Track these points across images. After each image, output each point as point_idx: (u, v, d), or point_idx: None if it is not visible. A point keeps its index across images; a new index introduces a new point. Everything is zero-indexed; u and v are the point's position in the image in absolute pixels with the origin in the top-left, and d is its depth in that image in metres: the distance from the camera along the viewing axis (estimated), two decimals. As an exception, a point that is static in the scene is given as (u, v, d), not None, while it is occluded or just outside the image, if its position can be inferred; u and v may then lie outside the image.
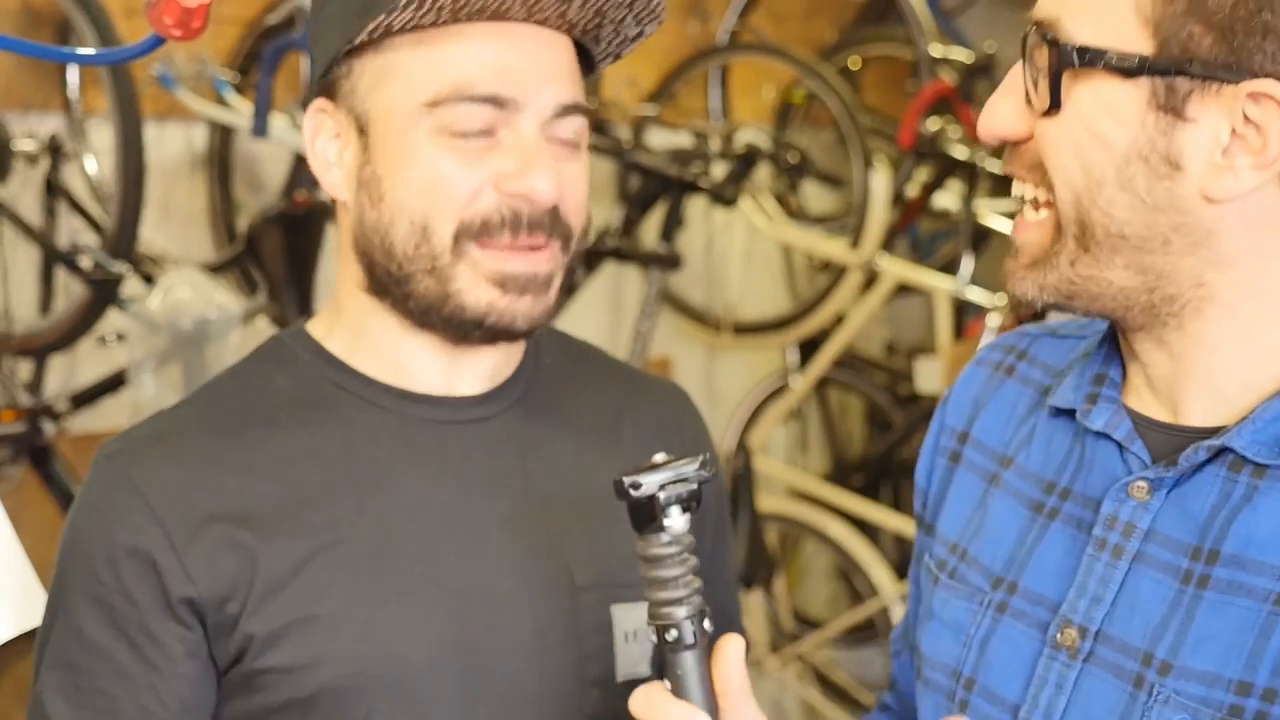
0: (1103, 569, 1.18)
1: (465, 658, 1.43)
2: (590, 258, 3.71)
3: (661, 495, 1.18)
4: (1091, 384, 1.25)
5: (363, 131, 1.43)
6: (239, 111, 3.35)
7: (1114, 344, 1.26)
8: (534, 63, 1.40)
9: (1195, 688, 1.11)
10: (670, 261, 3.77)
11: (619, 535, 1.50)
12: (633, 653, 1.49)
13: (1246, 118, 1.09)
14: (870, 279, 3.97)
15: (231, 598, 1.39)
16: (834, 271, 4.18)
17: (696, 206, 4.10)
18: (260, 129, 3.11)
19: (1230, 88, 1.08)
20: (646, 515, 1.19)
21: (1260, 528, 1.12)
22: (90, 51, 2.74)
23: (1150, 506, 1.17)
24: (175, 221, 3.55)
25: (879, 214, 3.92)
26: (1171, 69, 1.09)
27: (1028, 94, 1.16)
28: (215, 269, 3.29)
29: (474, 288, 1.41)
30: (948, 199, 4.05)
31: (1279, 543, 1.11)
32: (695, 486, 1.19)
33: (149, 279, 3.06)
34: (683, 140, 4.01)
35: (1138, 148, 1.11)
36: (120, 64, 2.90)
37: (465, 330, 1.44)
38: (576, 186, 1.45)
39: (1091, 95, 1.12)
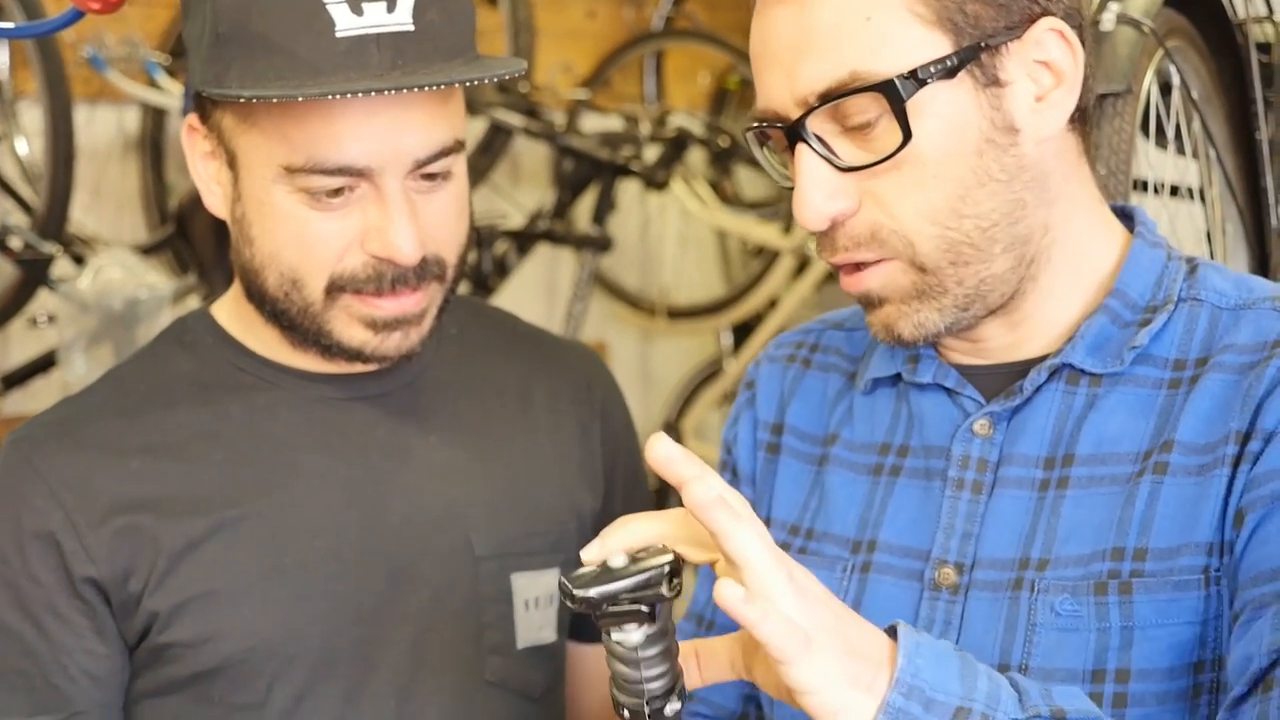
0: (966, 506, 1.25)
1: (364, 629, 1.45)
2: (524, 240, 3.74)
3: (600, 612, 0.99)
4: (907, 351, 1.32)
5: (231, 166, 1.42)
6: (170, 93, 3.35)
7: None
8: (388, 124, 1.34)
9: (1074, 570, 1.18)
10: (602, 244, 3.80)
11: (521, 504, 1.53)
12: (533, 620, 1.51)
13: (1036, 59, 1.19)
14: (803, 264, 3.99)
15: (133, 575, 1.41)
16: (767, 256, 4.20)
17: (631, 191, 4.12)
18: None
19: (1017, 43, 1.18)
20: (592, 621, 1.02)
21: (1109, 426, 1.22)
22: (9, 25, 2.74)
23: (994, 440, 1.25)
24: (107, 203, 3.55)
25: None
26: (977, 49, 1.17)
27: (834, 166, 1.18)
28: (147, 250, 3.29)
29: (347, 329, 1.43)
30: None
31: (1128, 434, 1.21)
32: (645, 606, 0.99)
33: (79, 260, 3.07)
34: (615, 124, 4.03)
35: (983, 133, 1.18)
36: (41, 37, 2.89)
37: (342, 358, 1.46)
38: (445, 217, 1.42)
39: (934, 113, 1.16)
